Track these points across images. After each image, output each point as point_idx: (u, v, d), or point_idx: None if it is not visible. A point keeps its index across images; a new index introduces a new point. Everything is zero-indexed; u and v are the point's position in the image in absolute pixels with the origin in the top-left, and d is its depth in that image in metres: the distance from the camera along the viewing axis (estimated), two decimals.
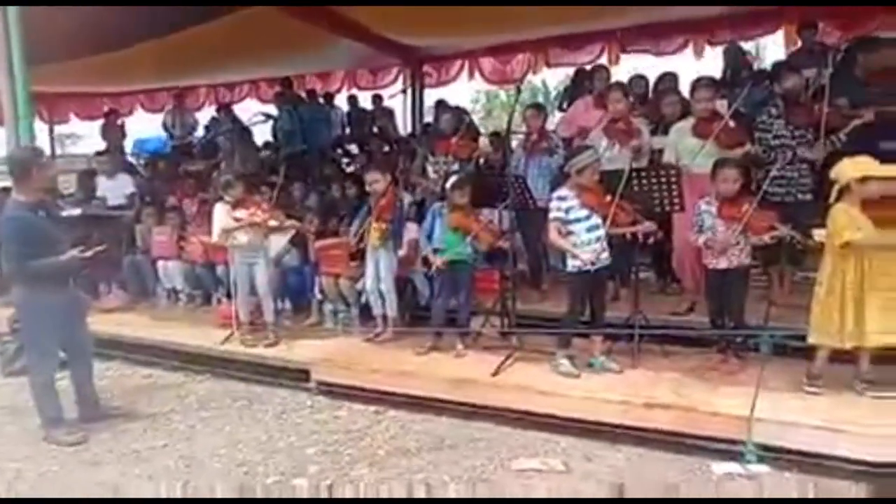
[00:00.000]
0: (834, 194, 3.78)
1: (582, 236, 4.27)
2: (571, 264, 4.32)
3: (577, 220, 4.27)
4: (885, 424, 3.39)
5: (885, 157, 3.78)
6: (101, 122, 10.64)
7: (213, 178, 7.53)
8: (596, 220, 4.26)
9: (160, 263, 6.78)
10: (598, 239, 4.24)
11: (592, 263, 4.22)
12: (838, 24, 6.84)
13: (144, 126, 12.43)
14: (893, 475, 3.21)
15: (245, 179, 5.67)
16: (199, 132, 10.42)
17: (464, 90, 10.18)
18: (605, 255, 4.28)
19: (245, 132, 9.15)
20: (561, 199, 4.31)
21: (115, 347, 5.77)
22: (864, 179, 3.66)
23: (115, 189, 7.35)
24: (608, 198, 4.24)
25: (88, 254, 4.18)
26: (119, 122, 10.67)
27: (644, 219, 4.30)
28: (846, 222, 3.67)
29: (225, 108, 10.12)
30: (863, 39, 6.01)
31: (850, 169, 3.73)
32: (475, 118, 9.07)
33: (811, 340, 3.85)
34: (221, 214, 5.32)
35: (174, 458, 3.94)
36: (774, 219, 4.10)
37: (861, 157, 3.79)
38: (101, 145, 9.99)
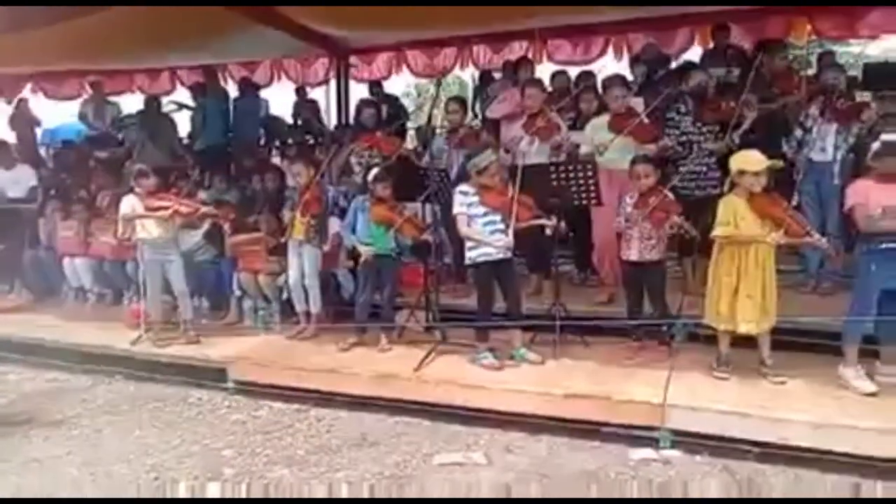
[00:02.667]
0: (727, 186, 3.99)
1: (480, 230, 4.34)
2: (469, 256, 4.40)
3: (476, 216, 4.34)
4: (785, 408, 3.56)
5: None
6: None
7: (124, 169, 7.18)
8: (494, 216, 4.31)
9: (66, 260, 6.41)
10: (495, 233, 4.30)
11: (505, 249, 4.26)
12: (747, 28, 7.15)
13: (48, 113, 11.53)
14: (793, 456, 3.38)
15: (159, 170, 5.43)
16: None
17: (395, 85, 10.12)
18: (505, 250, 4.30)
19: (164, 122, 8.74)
20: (463, 193, 4.38)
21: (16, 350, 5.43)
22: (741, 173, 3.85)
23: (15, 181, 6.88)
24: (510, 195, 4.28)
25: None
26: (28, 111, 9.97)
27: (551, 214, 4.35)
28: (727, 216, 3.86)
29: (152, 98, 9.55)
30: (770, 42, 6.31)
31: (732, 163, 3.94)
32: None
33: (705, 320, 4.05)
34: (129, 207, 5.06)
35: (78, 465, 3.72)
36: (675, 211, 4.22)
37: (747, 152, 3.99)
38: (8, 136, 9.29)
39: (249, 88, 9.22)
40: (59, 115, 11.59)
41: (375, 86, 8.81)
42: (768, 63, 5.77)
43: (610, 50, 7.97)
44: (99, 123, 9.43)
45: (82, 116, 9.64)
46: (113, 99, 10.03)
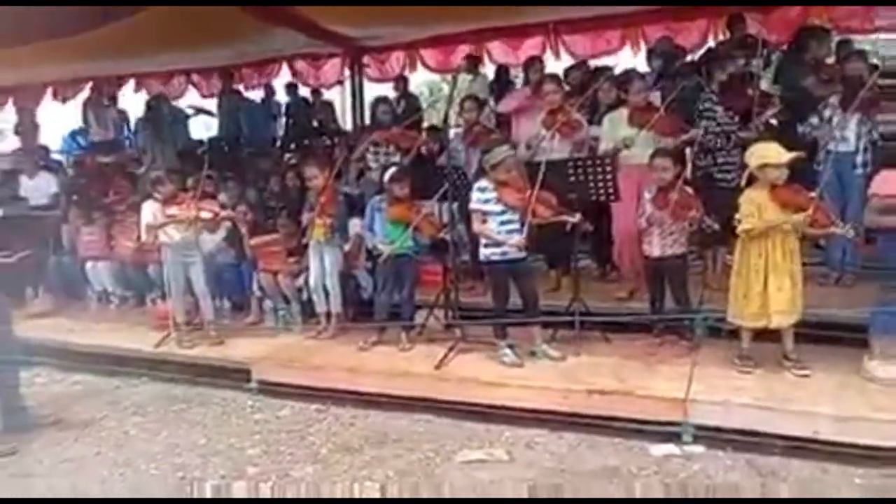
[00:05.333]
0: (745, 179, 3.94)
1: (495, 228, 4.32)
2: (483, 254, 4.40)
3: (493, 213, 4.32)
4: (809, 401, 3.54)
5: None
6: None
7: (137, 175, 7.28)
8: (511, 215, 4.28)
9: (89, 264, 6.52)
10: (511, 232, 4.28)
11: (518, 248, 4.25)
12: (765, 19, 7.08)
13: (61, 119, 11.52)
14: (817, 449, 3.36)
15: (176, 175, 5.51)
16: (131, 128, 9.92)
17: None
18: (519, 249, 4.27)
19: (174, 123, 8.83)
20: (480, 190, 4.37)
21: (44, 353, 5.51)
22: (762, 167, 3.80)
23: (37, 189, 7.00)
24: (528, 191, 4.25)
25: (12, 259, 3.99)
26: (33, 117, 10.04)
27: (571, 210, 4.31)
28: (751, 209, 3.81)
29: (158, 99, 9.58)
30: (815, 29, 6.23)
31: (752, 156, 3.88)
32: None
33: (729, 319, 4.01)
34: (149, 213, 5.13)
35: (108, 465, 3.79)
36: (694, 205, 4.18)
37: (767, 144, 3.93)
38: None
39: (267, 90, 9.31)
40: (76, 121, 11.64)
41: (400, 80, 8.82)
42: (814, 51, 5.72)
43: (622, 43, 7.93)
44: (101, 128, 9.39)
45: (84, 121, 9.65)
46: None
